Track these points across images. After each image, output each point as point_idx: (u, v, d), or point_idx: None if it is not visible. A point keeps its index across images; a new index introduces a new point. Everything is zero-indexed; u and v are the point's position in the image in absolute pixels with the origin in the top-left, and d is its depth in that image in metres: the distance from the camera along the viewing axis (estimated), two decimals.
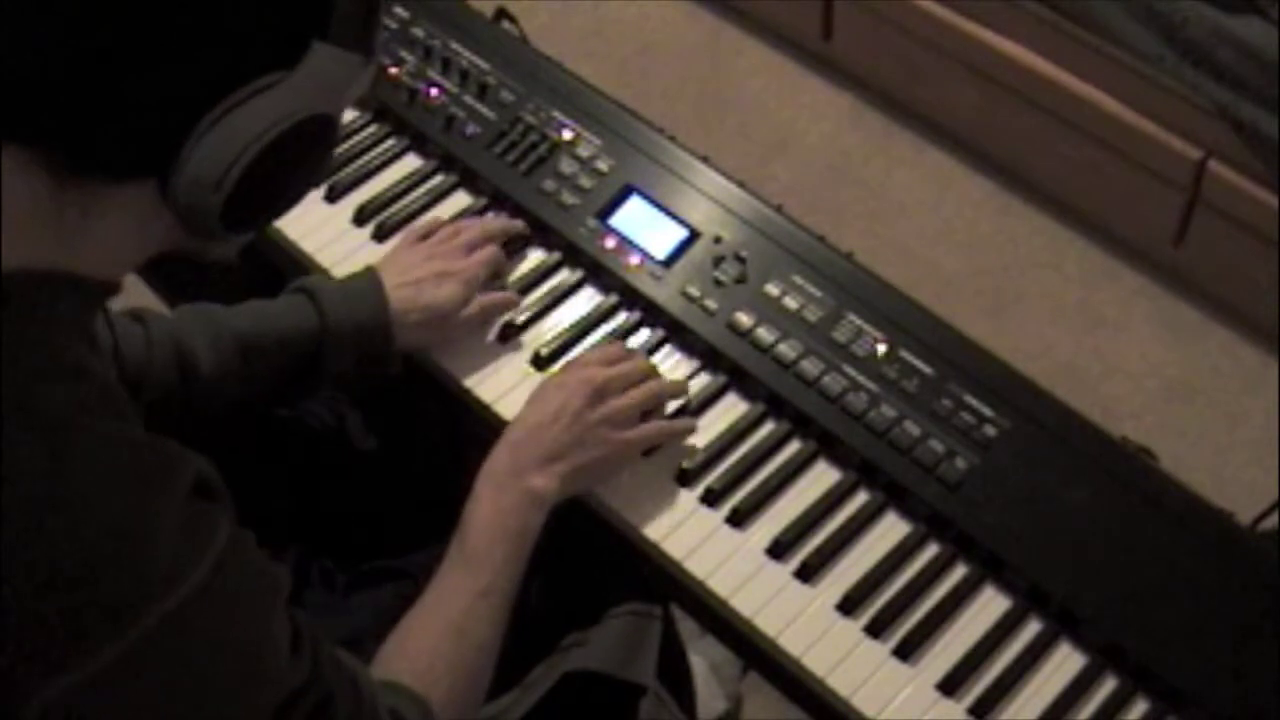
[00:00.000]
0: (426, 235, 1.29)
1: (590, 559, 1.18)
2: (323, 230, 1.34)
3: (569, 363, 1.21)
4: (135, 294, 1.87)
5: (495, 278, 1.28)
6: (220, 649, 0.78)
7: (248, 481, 1.24)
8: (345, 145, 1.40)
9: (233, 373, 1.15)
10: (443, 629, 1.01)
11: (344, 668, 0.89)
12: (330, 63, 0.78)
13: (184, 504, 0.77)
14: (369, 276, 1.22)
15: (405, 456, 1.31)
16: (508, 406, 1.20)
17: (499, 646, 1.04)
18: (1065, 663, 1.08)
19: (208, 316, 1.17)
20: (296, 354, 1.17)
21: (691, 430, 1.18)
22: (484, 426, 1.21)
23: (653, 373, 1.19)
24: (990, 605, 1.10)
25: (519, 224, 1.31)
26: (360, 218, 1.35)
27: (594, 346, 1.24)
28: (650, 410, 1.17)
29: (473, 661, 1.01)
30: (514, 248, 1.31)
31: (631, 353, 1.21)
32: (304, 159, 0.82)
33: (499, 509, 1.06)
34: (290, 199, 0.85)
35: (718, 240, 1.28)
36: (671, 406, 1.20)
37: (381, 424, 1.32)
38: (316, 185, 0.89)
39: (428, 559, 1.11)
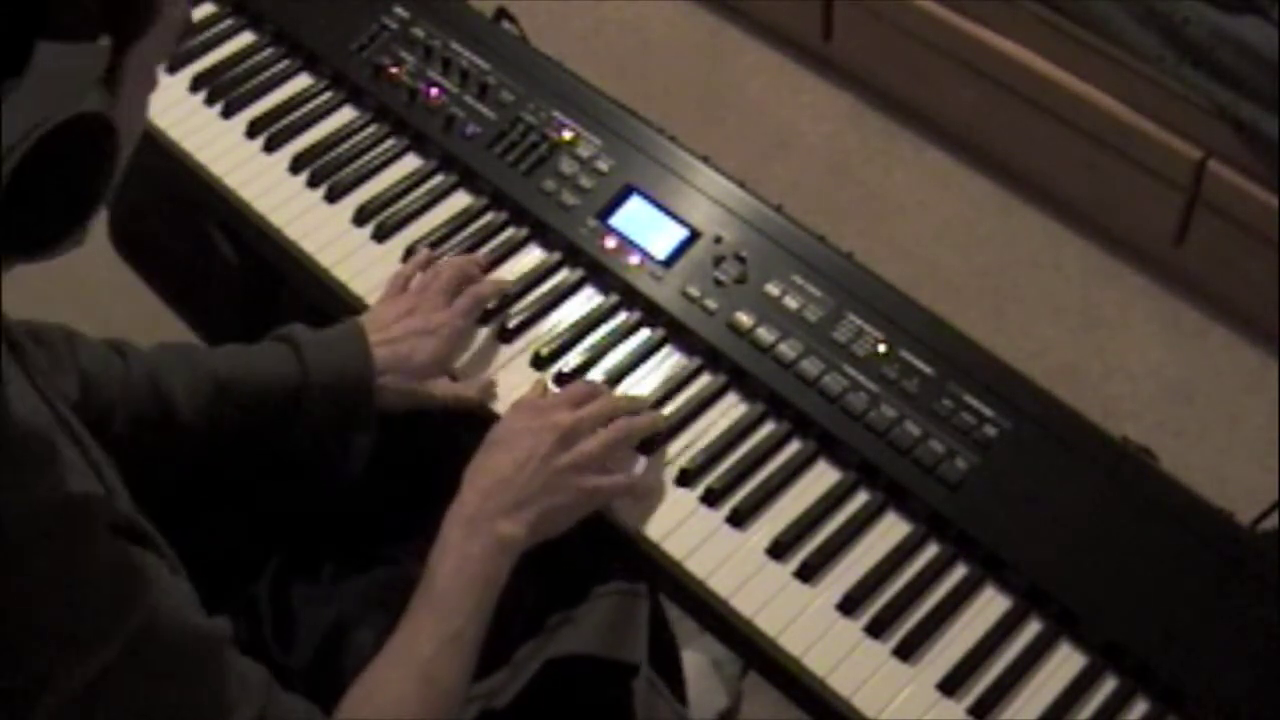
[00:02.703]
0: (411, 278, 1.27)
1: (575, 535, 1.17)
2: (323, 230, 1.34)
3: (530, 403, 1.17)
4: (134, 293, 1.88)
5: (481, 323, 1.26)
6: (153, 708, 0.78)
7: (240, 480, 1.25)
8: (345, 145, 1.40)
9: (208, 418, 1.14)
10: (410, 676, 1.00)
11: (297, 715, 0.88)
12: (62, 61, 0.71)
13: (108, 554, 0.76)
14: (353, 329, 1.20)
15: (401, 454, 1.31)
16: (507, 407, 1.20)
17: (465, 690, 1.03)
18: (1065, 663, 1.08)
19: (188, 359, 1.16)
20: (274, 405, 1.16)
21: (658, 490, 1.16)
22: (483, 426, 1.21)
23: (622, 408, 1.17)
24: (990, 605, 1.10)
25: (502, 283, 1.29)
26: (360, 218, 1.35)
27: (600, 339, 1.24)
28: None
29: (439, 709, 1.00)
30: (512, 245, 1.31)
31: (597, 390, 1.19)
32: (81, 165, 0.75)
33: (466, 556, 1.05)
34: (87, 206, 0.78)
35: (718, 240, 1.28)
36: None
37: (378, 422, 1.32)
38: (109, 187, 0.80)
39: (416, 545, 1.11)
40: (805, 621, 1.09)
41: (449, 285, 1.25)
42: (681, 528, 1.14)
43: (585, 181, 1.33)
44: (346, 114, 1.44)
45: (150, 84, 0.85)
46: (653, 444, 1.18)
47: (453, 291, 1.25)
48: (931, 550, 1.13)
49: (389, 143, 1.41)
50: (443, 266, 1.27)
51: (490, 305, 1.27)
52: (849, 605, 1.09)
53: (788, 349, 1.21)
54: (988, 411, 1.16)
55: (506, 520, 1.07)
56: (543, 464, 1.09)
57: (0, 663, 0.73)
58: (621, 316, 1.27)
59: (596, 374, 1.23)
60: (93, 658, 0.75)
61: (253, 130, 1.42)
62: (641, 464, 1.17)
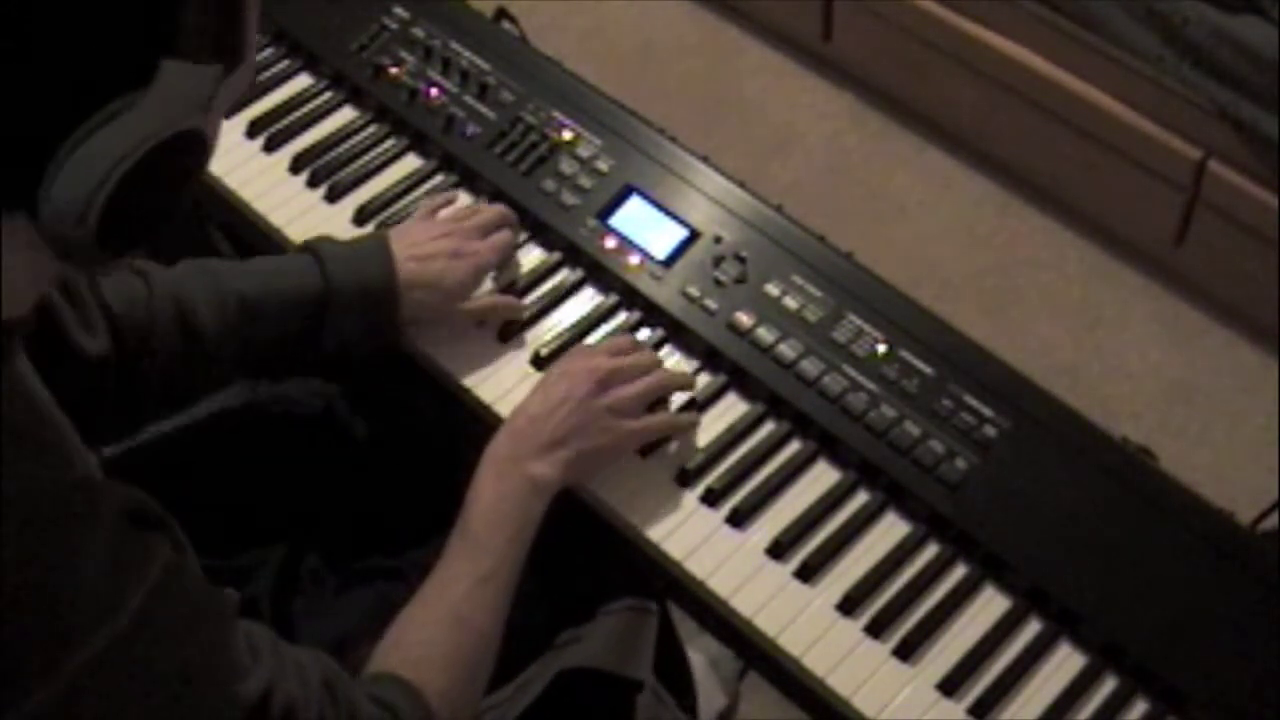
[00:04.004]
0: (439, 208, 1.29)
1: (585, 555, 1.18)
2: (323, 230, 1.33)
3: (575, 350, 1.20)
4: None
5: (504, 267, 1.28)
6: (161, 683, 0.79)
7: (238, 477, 1.25)
8: (345, 145, 1.40)
9: (235, 333, 1.14)
10: (441, 617, 1.01)
11: (309, 676, 0.88)
12: (183, 79, 0.76)
13: (110, 538, 0.77)
14: (378, 241, 1.21)
15: (397, 451, 1.31)
16: (508, 406, 1.20)
17: (500, 633, 1.03)
18: (1065, 663, 1.08)
19: (211, 274, 1.15)
20: (300, 316, 1.16)
21: (695, 424, 1.18)
22: (482, 425, 1.21)
23: (659, 366, 1.19)
24: (990, 605, 1.10)
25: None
26: (360, 218, 1.35)
27: (600, 340, 1.24)
28: (655, 403, 1.17)
29: (471, 649, 1.01)
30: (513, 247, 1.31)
31: (639, 345, 1.21)
32: (174, 178, 0.79)
33: (500, 496, 1.06)
34: (166, 217, 0.82)
35: (718, 240, 1.28)
36: (679, 400, 1.20)
37: (372, 417, 1.32)
38: (187, 199, 0.85)
39: (422, 556, 1.11)
40: (805, 621, 1.09)
41: (487, 224, 1.27)
42: (681, 528, 1.14)
43: (585, 181, 1.33)
44: (346, 114, 1.44)
45: (220, 121, 0.89)
46: (653, 444, 1.18)
47: (490, 231, 1.27)
48: (931, 550, 1.13)
49: (389, 143, 1.41)
50: (484, 207, 1.30)
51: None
52: (849, 605, 1.09)
53: (788, 349, 1.21)
54: (988, 411, 1.16)
55: (538, 461, 1.08)
56: (578, 406, 1.11)
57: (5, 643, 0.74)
58: (621, 316, 1.27)
59: None
60: (97, 634, 0.75)
61: (253, 130, 1.42)
62: (639, 464, 1.17)
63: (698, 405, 1.20)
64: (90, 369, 1.02)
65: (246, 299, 1.15)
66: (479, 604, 1.02)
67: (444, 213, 1.30)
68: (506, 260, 1.28)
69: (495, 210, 1.29)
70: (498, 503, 1.06)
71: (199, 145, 0.80)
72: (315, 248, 1.19)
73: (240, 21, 0.80)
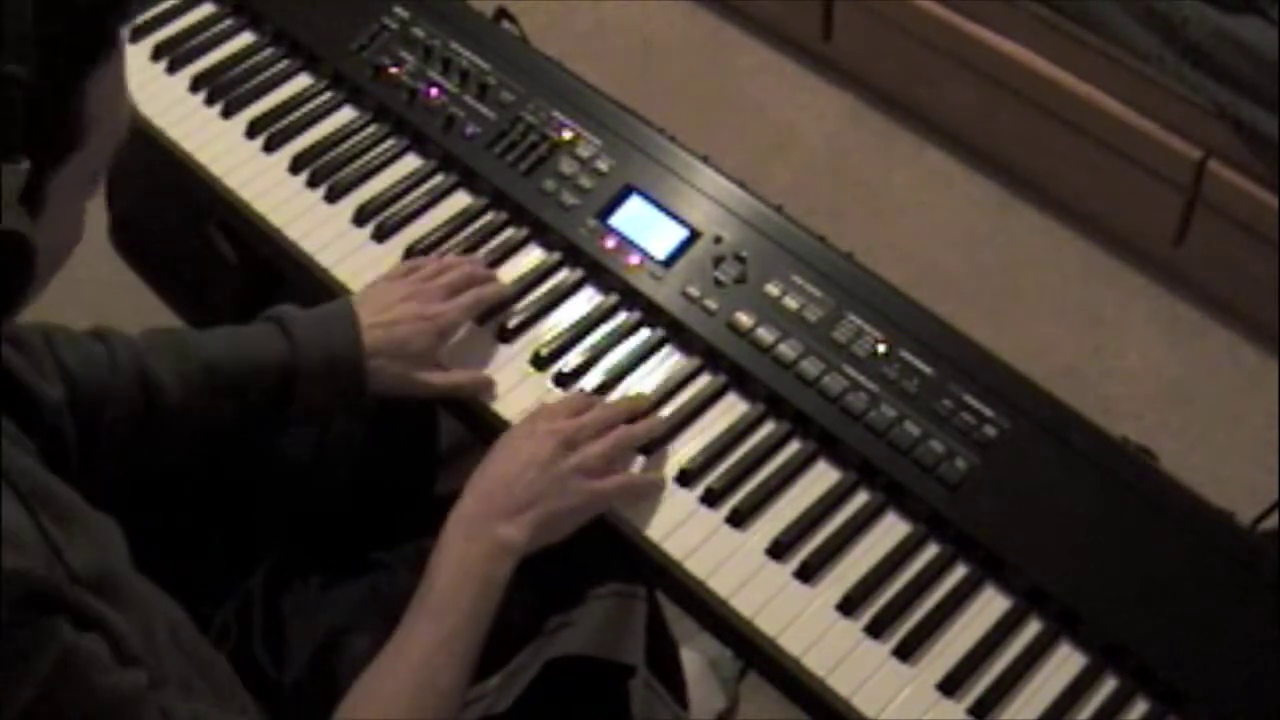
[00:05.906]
0: (413, 271, 1.27)
1: (571, 539, 1.17)
2: (323, 230, 1.34)
3: (533, 414, 1.17)
4: (134, 293, 1.88)
5: (480, 323, 1.26)
6: None
7: (223, 481, 1.24)
8: (345, 145, 1.40)
9: (199, 402, 1.13)
10: (403, 678, 1.00)
11: None
12: None
13: None
14: (343, 308, 1.20)
15: (382, 452, 1.31)
16: (507, 406, 1.21)
17: (463, 692, 1.03)
18: (1065, 663, 1.08)
19: (177, 343, 1.15)
20: (266, 385, 1.15)
21: (661, 487, 1.16)
22: (480, 425, 1.21)
23: (622, 414, 1.17)
24: (990, 605, 1.10)
25: (505, 287, 1.28)
26: (360, 218, 1.35)
27: (600, 340, 1.24)
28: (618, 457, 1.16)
29: (434, 710, 1.00)
30: (512, 245, 1.31)
31: (593, 400, 1.19)
32: None
33: (465, 556, 1.05)
34: None
35: (718, 240, 1.28)
36: (668, 410, 1.20)
37: (357, 419, 1.31)
38: (25, 297, 0.79)
39: (410, 549, 1.11)
40: (805, 621, 1.09)
41: (456, 283, 1.24)
42: (681, 528, 1.14)
43: (585, 181, 1.33)
44: (346, 114, 1.44)
45: (87, 194, 0.85)
46: (652, 444, 1.18)
47: (457, 291, 1.24)
48: (931, 550, 1.13)
49: (389, 143, 1.41)
50: (452, 263, 1.27)
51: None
52: (849, 605, 1.09)
53: (788, 349, 1.21)
54: (988, 411, 1.16)
55: (506, 524, 1.07)
56: (543, 469, 1.09)
57: None
58: (621, 316, 1.27)
59: (596, 374, 1.23)
60: None
61: (253, 130, 1.42)
62: (640, 463, 1.17)
63: (697, 405, 1.20)
64: (53, 412, 1.01)
65: (212, 365, 1.14)
66: (441, 666, 1.01)
67: (413, 276, 1.26)
68: (493, 300, 1.26)
69: (465, 270, 1.26)
70: (462, 563, 1.05)
71: (16, 245, 0.75)
72: (279, 316, 1.18)
73: (67, 109, 0.76)
